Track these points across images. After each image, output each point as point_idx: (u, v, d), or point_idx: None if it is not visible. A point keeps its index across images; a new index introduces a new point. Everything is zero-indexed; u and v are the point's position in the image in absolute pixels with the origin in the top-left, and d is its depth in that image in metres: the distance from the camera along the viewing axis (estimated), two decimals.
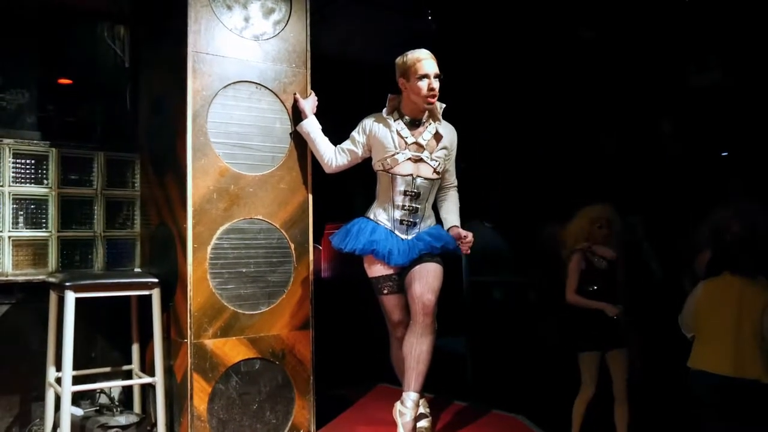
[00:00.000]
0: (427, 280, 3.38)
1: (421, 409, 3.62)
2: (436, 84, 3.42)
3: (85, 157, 3.89)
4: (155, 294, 3.45)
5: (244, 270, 3.46)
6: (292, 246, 3.63)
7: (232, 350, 3.42)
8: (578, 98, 5.83)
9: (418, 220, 3.54)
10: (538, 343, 5.27)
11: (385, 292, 3.56)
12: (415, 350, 3.31)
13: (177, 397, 3.42)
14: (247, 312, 3.47)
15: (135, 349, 3.74)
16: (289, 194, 3.64)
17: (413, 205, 3.52)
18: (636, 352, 3.80)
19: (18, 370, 3.64)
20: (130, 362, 3.76)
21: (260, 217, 3.53)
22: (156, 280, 3.48)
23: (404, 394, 3.35)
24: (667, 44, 5.17)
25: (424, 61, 3.40)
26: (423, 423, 3.65)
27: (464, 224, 3.82)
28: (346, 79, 3.28)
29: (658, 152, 5.60)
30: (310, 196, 3.72)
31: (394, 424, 3.40)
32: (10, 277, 3.61)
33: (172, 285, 3.47)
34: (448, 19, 5.13)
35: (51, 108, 3.90)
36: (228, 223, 3.43)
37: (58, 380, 3.36)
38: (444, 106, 3.60)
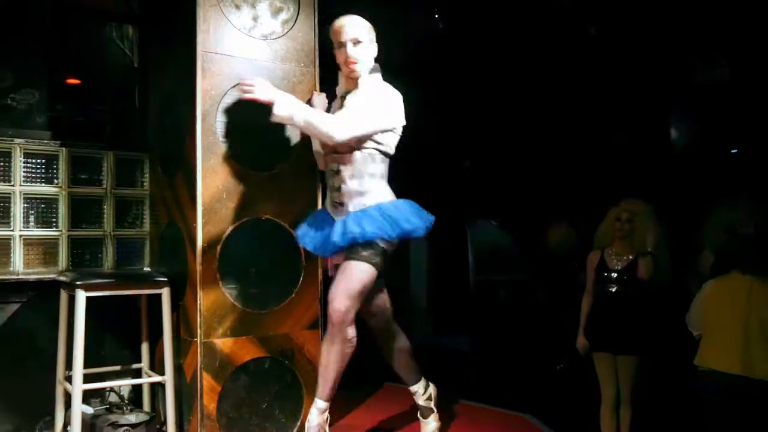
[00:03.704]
0: (337, 283, 3.07)
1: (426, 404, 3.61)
2: (353, 50, 3.14)
3: (95, 156, 3.92)
4: (165, 293, 3.47)
5: (253, 269, 3.47)
6: (301, 245, 3.63)
7: (242, 349, 3.43)
8: (585, 96, 5.82)
9: (345, 200, 3.20)
10: (546, 341, 5.27)
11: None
12: (324, 357, 3.10)
13: (186, 396, 3.44)
14: (256, 311, 3.48)
15: (144, 347, 3.76)
16: (297, 193, 3.65)
17: (335, 183, 3.23)
18: (646, 361, 3.76)
19: (29, 368, 3.67)
20: (139, 361, 3.78)
21: (269, 216, 3.54)
22: (166, 279, 3.49)
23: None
24: (677, 40, 5.15)
25: (341, 28, 3.16)
26: (433, 423, 3.61)
27: (471, 223, 3.79)
28: None
29: (665, 150, 5.59)
30: (319, 195, 3.73)
31: (403, 424, 3.41)
32: (21, 276, 3.63)
33: (182, 284, 3.48)
34: (456, 17, 5.12)
35: (61, 108, 3.93)
36: (237, 222, 3.43)
37: (69, 378, 3.38)
38: (373, 67, 3.28)
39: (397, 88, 3.30)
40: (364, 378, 5.60)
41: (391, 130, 3.21)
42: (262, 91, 3.05)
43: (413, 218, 3.16)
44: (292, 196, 3.62)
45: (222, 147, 3.40)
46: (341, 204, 3.21)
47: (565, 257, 5.28)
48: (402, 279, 6.84)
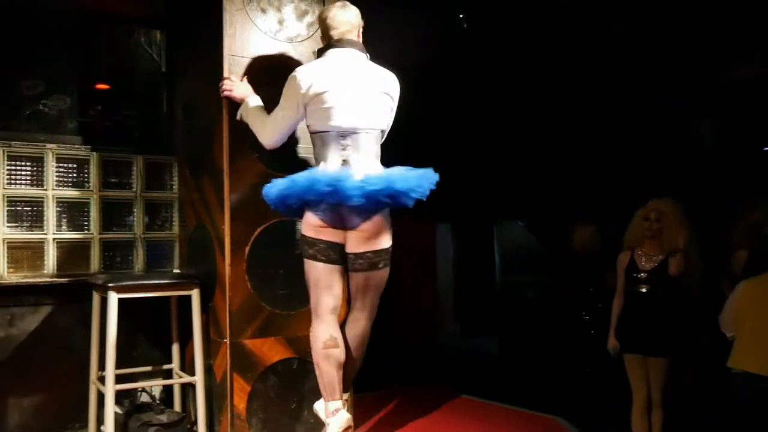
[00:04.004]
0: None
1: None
2: None
3: (125, 160, 3.97)
4: (195, 294, 3.51)
5: (281, 270, 3.49)
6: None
7: (270, 350, 3.45)
8: (614, 96, 5.78)
9: None
10: (576, 343, 5.22)
11: None
12: None
13: (217, 396, 3.47)
14: (284, 312, 3.50)
15: (175, 348, 3.81)
16: None
17: None
18: (678, 362, 3.71)
19: (62, 368, 3.73)
20: (170, 361, 3.83)
21: (297, 219, 3.55)
22: (196, 280, 3.53)
23: None
24: (705, 38, 5.09)
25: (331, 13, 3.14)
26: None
27: (498, 224, 3.76)
28: None
29: (695, 149, 5.52)
30: None
31: (432, 424, 3.39)
32: (54, 279, 3.69)
33: (211, 285, 3.52)
34: (483, 18, 5.11)
35: (91, 113, 4.00)
36: (264, 224, 3.46)
37: (102, 379, 3.43)
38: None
39: (422, 89, 3.28)
40: (395, 378, 5.62)
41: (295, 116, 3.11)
42: (237, 91, 3.30)
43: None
44: None
45: (248, 149, 3.43)
46: None
47: (592, 257, 5.24)
48: (428, 280, 6.83)
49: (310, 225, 3.01)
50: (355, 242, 3.01)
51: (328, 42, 3.14)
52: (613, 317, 3.85)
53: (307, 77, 3.01)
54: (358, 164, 3.01)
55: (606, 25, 5.32)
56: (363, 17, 3.22)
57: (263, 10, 3.55)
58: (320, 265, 3.03)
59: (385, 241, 3.05)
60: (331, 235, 3.01)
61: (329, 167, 3.01)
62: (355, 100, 3.01)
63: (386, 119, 3.18)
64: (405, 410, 4.58)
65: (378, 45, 3.35)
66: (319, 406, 3.13)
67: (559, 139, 6.33)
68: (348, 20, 3.12)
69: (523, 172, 6.83)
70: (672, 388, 3.70)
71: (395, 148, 3.27)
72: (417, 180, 2.95)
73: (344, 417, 3.01)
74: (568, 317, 5.67)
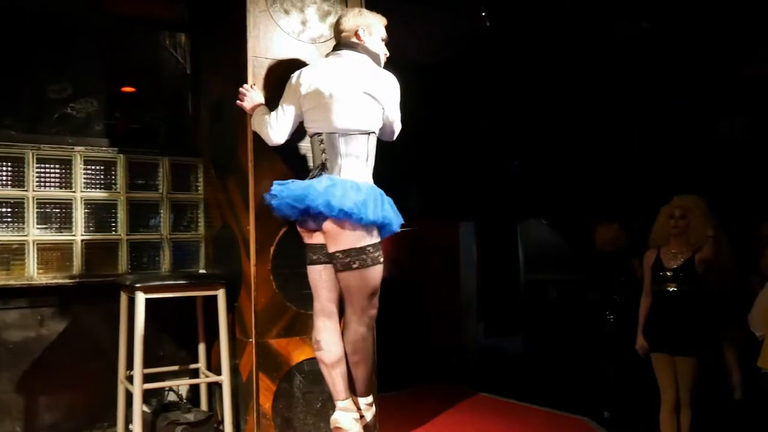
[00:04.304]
0: None
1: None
2: None
3: (151, 162, 4.02)
4: (221, 294, 3.54)
5: (305, 270, 3.50)
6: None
7: (296, 349, 3.47)
8: (638, 93, 5.72)
9: None
10: (601, 342, 5.18)
11: None
12: None
13: (243, 396, 3.50)
14: (309, 312, 3.49)
15: (201, 348, 3.85)
16: None
17: None
18: (705, 362, 3.66)
19: (90, 367, 3.79)
20: (196, 361, 3.87)
21: None
22: (221, 280, 3.56)
23: None
24: (733, 34, 5.02)
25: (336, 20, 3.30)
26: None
27: (521, 223, 3.72)
28: (402, 79, 3.28)
29: (723, 146, 5.45)
30: None
31: (456, 424, 3.39)
32: (83, 279, 3.75)
33: (236, 285, 3.54)
34: (504, 17, 5.09)
35: (118, 115, 4.05)
36: (289, 224, 3.47)
37: (130, 378, 3.48)
38: None
39: (444, 89, 3.29)
40: (419, 377, 5.62)
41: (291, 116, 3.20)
42: (248, 102, 3.37)
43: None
44: None
45: (273, 150, 3.44)
46: None
47: (616, 255, 5.19)
48: (452, 280, 6.82)
49: (299, 231, 3.17)
50: (327, 243, 3.05)
51: (333, 46, 3.28)
52: (641, 317, 3.81)
53: (301, 76, 3.15)
54: (334, 167, 3.05)
55: (628, 22, 5.27)
56: (385, 15, 3.24)
57: (286, 12, 3.57)
58: (307, 268, 3.17)
59: (352, 240, 2.98)
60: (312, 238, 3.11)
61: (312, 172, 3.13)
62: (334, 102, 3.04)
63: (371, 121, 3.12)
64: (429, 410, 4.58)
65: (399, 44, 3.36)
66: None
67: (583, 137, 6.28)
68: (345, 22, 3.22)
69: (547, 171, 6.79)
70: (700, 388, 3.66)
71: (418, 148, 3.27)
72: (339, 201, 2.91)
73: (334, 417, 3.08)
74: (593, 316, 5.62)
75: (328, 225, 2.97)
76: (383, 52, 3.27)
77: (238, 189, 3.53)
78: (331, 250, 3.02)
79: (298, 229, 3.16)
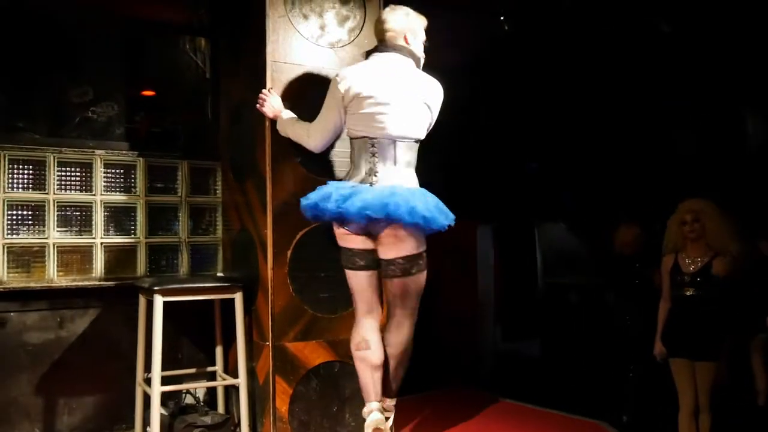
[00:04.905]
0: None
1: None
2: None
3: (170, 165, 4.05)
4: (238, 298, 3.55)
5: (322, 274, 3.51)
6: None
7: (312, 353, 3.48)
8: (654, 95, 5.67)
9: None
10: (619, 346, 5.14)
11: None
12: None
13: (259, 399, 3.51)
14: (326, 315, 3.52)
15: (218, 351, 3.86)
16: None
17: None
18: (725, 367, 3.63)
19: (109, 370, 3.82)
20: (214, 364, 3.88)
21: None
22: (239, 284, 3.58)
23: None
24: (755, 38, 4.96)
25: (381, 17, 3.22)
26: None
27: (540, 225, 3.69)
28: None
29: (736, 147, 5.38)
30: None
31: (473, 428, 3.37)
32: (102, 282, 3.78)
33: (254, 289, 3.56)
34: (522, 17, 5.07)
35: (137, 119, 4.08)
36: (306, 227, 3.48)
37: (148, 380, 3.50)
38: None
39: (462, 90, 3.26)
40: (436, 381, 5.60)
41: (331, 125, 3.17)
42: (268, 107, 3.36)
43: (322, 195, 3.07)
44: None
45: (291, 154, 3.46)
46: None
47: (636, 259, 5.15)
48: (469, 283, 6.80)
49: (338, 234, 3.12)
50: (383, 249, 3.03)
51: (375, 46, 3.20)
52: (659, 322, 3.77)
53: (346, 80, 3.06)
54: (385, 174, 3.03)
55: (651, 21, 5.23)
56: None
57: (305, 16, 3.58)
58: (350, 272, 3.12)
59: (414, 246, 3.02)
60: (357, 243, 3.06)
61: (354, 176, 3.08)
62: (391, 108, 3.02)
63: (423, 129, 3.16)
64: (446, 414, 4.57)
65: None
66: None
67: (602, 139, 6.23)
68: (393, 24, 3.14)
69: (566, 172, 6.74)
70: (720, 393, 3.62)
71: (439, 150, 3.26)
72: (423, 207, 2.91)
73: (373, 418, 3.04)
74: (611, 320, 5.57)
75: (391, 231, 2.96)
76: (423, 56, 3.25)
77: (257, 192, 3.54)
78: (389, 256, 3.02)
79: (342, 233, 3.08)
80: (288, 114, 3.35)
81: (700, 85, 5.40)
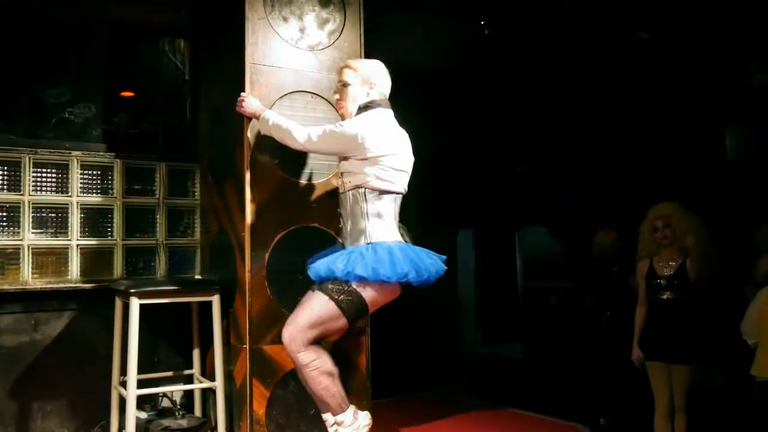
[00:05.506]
0: (295, 309, 3.07)
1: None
2: (339, 92, 3.23)
3: (148, 167, 4.02)
4: (215, 300, 3.54)
5: (300, 277, 3.50)
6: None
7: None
8: (635, 101, 5.73)
9: (345, 240, 3.17)
10: (597, 349, 5.18)
11: None
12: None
13: (237, 402, 3.49)
14: None
15: (196, 354, 3.84)
16: None
17: (339, 225, 3.29)
18: (701, 370, 3.67)
19: (85, 373, 3.78)
20: (191, 367, 3.86)
21: (316, 225, 3.57)
22: (217, 286, 3.56)
23: None
24: (730, 43, 5.03)
25: (339, 69, 3.26)
26: None
27: (520, 230, 3.73)
28: (401, 85, 3.29)
29: (717, 154, 5.45)
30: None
31: (453, 431, 3.37)
32: (78, 284, 3.74)
33: (232, 291, 3.54)
34: (502, 24, 5.10)
35: (115, 121, 4.05)
36: (284, 230, 3.48)
37: (124, 384, 3.47)
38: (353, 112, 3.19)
39: (444, 95, 3.28)
40: (413, 385, 5.61)
41: (363, 154, 3.01)
42: (247, 106, 3.35)
43: (406, 264, 2.93)
44: (337, 204, 3.64)
45: (269, 157, 3.45)
46: (343, 246, 3.18)
47: (614, 263, 5.19)
48: (449, 287, 6.82)
49: (378, 290, 2.99)
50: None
51: (376, 99, 3.16)
52: (636, 327, 3.81)
53: (373, 137, 3.00)
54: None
55: (630, 29, 5.28)
56: (384, 21, 3.24)
57: (285, 19, 3.58)
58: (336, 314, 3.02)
59: None
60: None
61: (400, 233, 3.14)
62: (407, 168, 3.15)
63: None
64: (425, 417, 4.57)
65: (398, 50, 3.36)
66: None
67: (581, 145, 6.28)
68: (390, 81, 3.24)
69: (545, 178, 6.79)
70: (696, 395, 3.66)
71: (419, 155, 3.27)
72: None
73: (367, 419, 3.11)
74: (591, 323, 5.62)
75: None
76: None
77: (235, 195, 3.53)
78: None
79: (391, 293, 3.05)
80: (272, 111, 3.32)
81: (683, 92, 5.47)
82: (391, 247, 2.97)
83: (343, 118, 3.23)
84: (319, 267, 3.01)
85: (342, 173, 3.13)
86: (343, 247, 3.18)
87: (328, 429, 3.05)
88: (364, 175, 3.02)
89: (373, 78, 3.17)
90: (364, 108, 3.14)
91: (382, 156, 3.01)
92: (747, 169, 5.22)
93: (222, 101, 3.74)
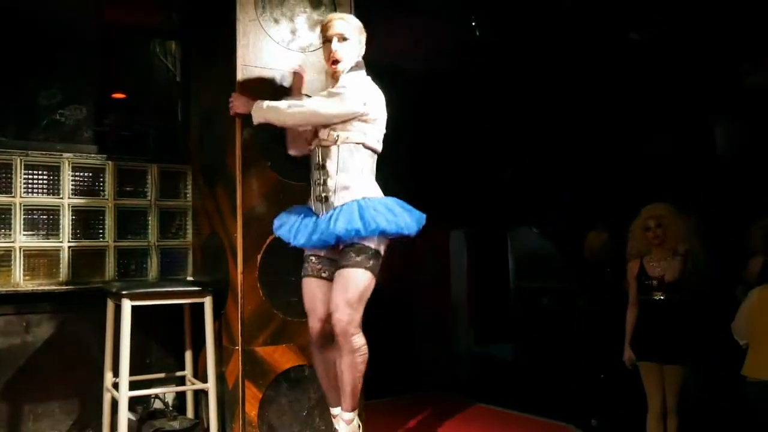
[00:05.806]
0: (337, 293, 2.90)
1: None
2: (338, 46, 3.03)
3: (140, 169, 4.01)
4: (207, 302, 3.54)
5: (293, 278, 3.50)
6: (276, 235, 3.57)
7: (282, 357, 3.47)
8: (627, 102, 5.75)
9: (330, 194, 3.01)
10: (588, 349, 5.20)
11: (308, 272, 3.11)
12: (339, 369, 2.96)
13: (229, 403, 3.49)
14: (295, 319, 3.51)
15: (188, 355, 3.84)
16: None
17: (321, 177, 3.05)
18: (693, 370, 3.69)
19: (76, 375, 3.77)
20: (183, 368, 3.86)
21: None
22: (209, 288, 3.56)
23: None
24: (722, 43, 5.06)
25: (330, 22, 3.07)
26: None
27: (513, 231, 3.74)
28: (393, 87, 3.30)
29: (709, 155, 5.48)
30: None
31: None
32: (69, 286, 3.74)
33: (224, 293, 3.54)
34: (495, 25, 5.12)
35: (107, 122, 4.04)
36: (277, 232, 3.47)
37: (115, 385, 3.47)
38: (350, 66, 3.08)
39: (434, 97, 3.29)
40: (404, 387, 5.61)
41: (364, 116, 2.99)
42: (240, 104, 3.27)
43: (406, 215, 2.96)
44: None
45: (261, 158, 3.45)
46: (326, 199, 3.02)
47: (606, 264, 5.22)
48: (442, 288, 6.83)
49: (384, 243, 3.01)
50: None
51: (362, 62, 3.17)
52: (627, 328, 3.82)
53: (374, 102, 3.03)
54: None
55: (623, 29, 5.30)
56: (376, 23, 3.25)
57: (276, 21, 3.58)
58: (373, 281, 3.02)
59: None
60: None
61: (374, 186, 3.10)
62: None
63: None
64: (418, 418, 4.58)
65: (389, 52, 3.36)
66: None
67: (572, 146, 6.30)
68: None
69: (537, 179, 6.81)
70: (688, 395, 3.68)
71: (408, 156, 3.28)
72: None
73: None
74: (583, 324, 5.64)
75: None
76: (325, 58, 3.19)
77: (227, 196, 3.53)
78: None
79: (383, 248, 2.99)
80: (265, 101, 3.15)
81: (669, 93, 5.50)
82: (387, 201, 2.99)
83: (334, 78, 3.10)
84: (334, 230, 2.87)
85: (331, 126, 3.00)
86: (313, 208, 3.10)
87: (339, 423, 3.01)
88: (362, 133, 3.00)
89: (362, 27, 3.15)
90: (355, 66, 3.10)
91: (379, 119, 3.05)
92: (739, 170, 5.25)
93: (213, 103, 3.74)
